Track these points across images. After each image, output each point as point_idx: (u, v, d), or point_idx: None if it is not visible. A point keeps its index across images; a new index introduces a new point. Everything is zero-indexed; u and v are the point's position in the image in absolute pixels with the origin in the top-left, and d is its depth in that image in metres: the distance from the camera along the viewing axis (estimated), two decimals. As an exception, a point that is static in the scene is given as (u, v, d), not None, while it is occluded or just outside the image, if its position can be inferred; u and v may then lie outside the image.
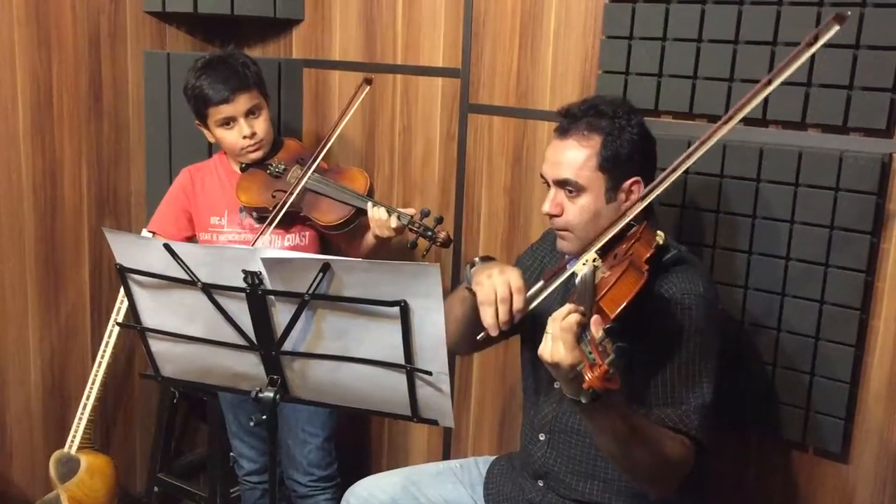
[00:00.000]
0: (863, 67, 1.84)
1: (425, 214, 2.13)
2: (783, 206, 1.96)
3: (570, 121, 1.72)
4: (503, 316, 1.60)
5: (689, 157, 1.59)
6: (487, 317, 1.61)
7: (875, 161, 1.84)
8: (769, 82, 1.54)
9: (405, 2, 2.59)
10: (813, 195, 1.92)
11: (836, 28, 1.48)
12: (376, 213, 2.14)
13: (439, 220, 2.12)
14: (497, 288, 1.60)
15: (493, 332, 1.62)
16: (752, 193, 2.00)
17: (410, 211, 2.14)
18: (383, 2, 2.64)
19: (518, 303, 1.60)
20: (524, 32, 2.37)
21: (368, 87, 2.22)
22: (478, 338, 1.65)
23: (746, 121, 2.00)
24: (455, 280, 2.64)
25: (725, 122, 1.58)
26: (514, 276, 1.62)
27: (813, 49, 1.50)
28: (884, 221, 1.88)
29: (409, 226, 2.12)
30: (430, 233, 2.10)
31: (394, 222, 2.12)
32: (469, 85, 2.50)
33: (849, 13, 1.48)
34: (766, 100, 1.94)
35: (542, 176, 1.77)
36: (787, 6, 1.92)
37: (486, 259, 1.77)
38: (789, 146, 1.95)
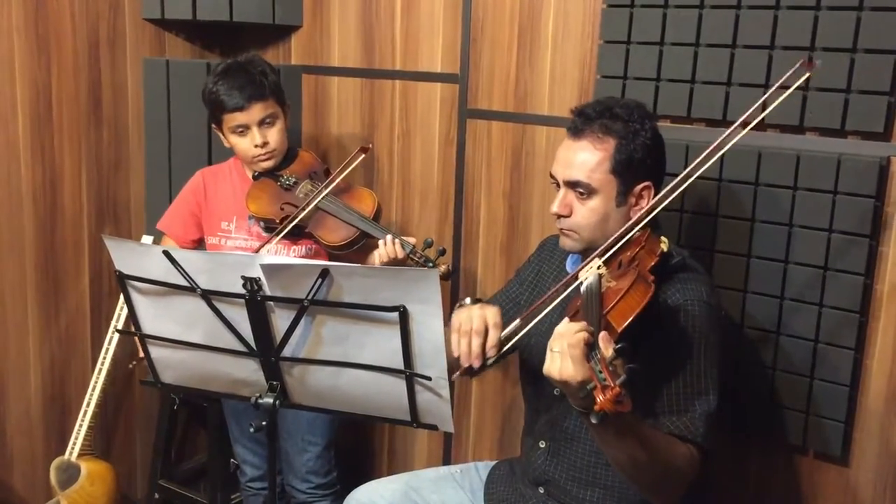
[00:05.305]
0: (860, 71, 1.84)
1: (428, 245, 2.13)
2: (782, 210, 1.96)
3: (583, 121, 1.71)
4: (476, 348, 1.60)
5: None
6: (460, 345, 1.61)
7: (873, 164, 1.85)
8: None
9: (404, 8, 2.60)
10: (811, 199, 1.92)
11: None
12: (393, 249, 2.12)
13: (441, 252, 2.11)
14: (474, 321, 1.61)
15: (465, 363, 1.61)
16: (751, 197, 2.00)
17: (412, 240, 2.14)
18: (382, 8, 2.64)
19: (493, 338, 1.61)
20: (522, 37, 2.37)
21: (363, 156, 2.22)
22: (451, 378, 1.56)
23: (744, 124, 2.01)
24: (453, 292, 2.63)
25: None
26: (492, 313, 1.63)
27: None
28: (882, 224, 1.88)
29: (411, 255, 2.12)
30: (430, 264, 2.11)
31: (400, 252, 2.12)
32: (468, 90, 2.50)
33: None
34: (764, 104, 1.96)
35: (551, 175, 1.76)
36: (783, 10, 1.92)
37: (477, 301, 1.75)
38: (787, 150, 1.95)
